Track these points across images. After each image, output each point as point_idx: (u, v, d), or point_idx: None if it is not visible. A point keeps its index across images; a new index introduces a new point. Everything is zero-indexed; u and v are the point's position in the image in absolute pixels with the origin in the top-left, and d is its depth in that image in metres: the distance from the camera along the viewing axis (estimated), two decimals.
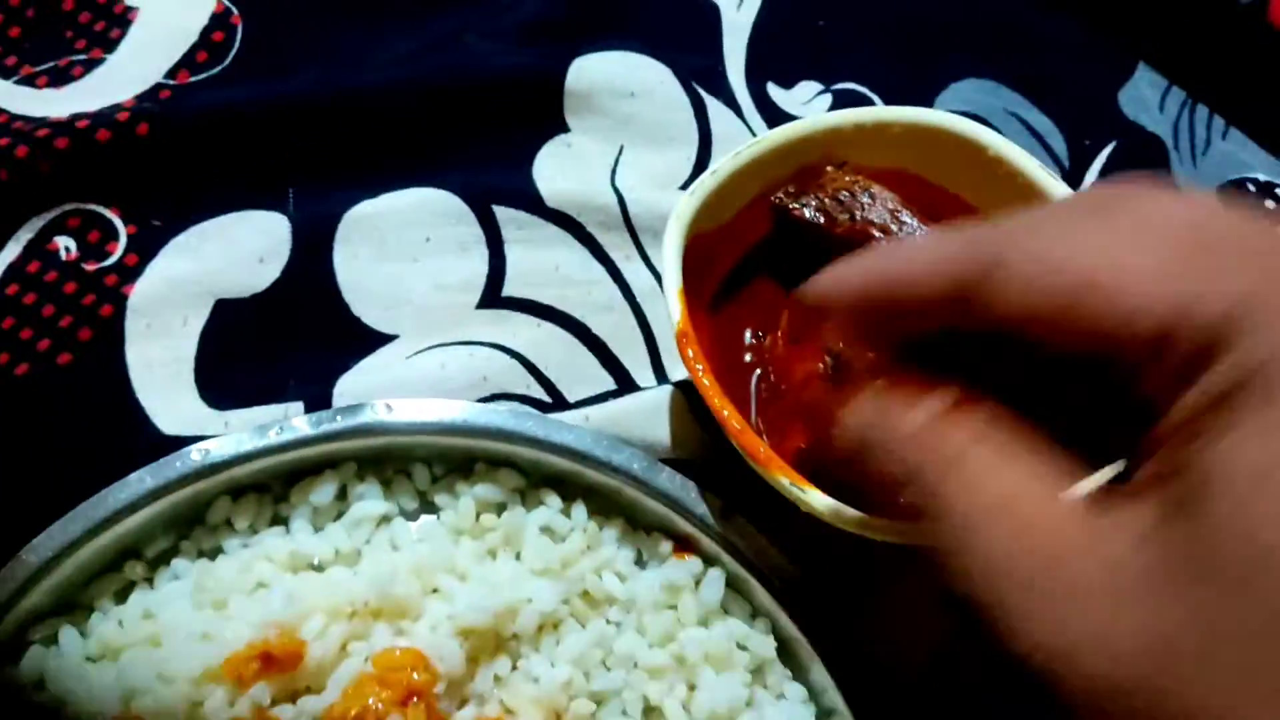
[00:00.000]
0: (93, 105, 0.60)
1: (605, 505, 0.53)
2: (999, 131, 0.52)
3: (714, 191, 0.53)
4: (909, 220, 0.52)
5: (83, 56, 0.62)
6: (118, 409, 0.54)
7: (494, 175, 0.61)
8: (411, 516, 0.52)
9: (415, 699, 0.45)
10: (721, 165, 0.53)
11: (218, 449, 0.50)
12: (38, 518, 0.48)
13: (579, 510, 0.52)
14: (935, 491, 0.30)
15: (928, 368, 0.34)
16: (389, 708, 0.44)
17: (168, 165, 0.58)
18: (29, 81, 0.61)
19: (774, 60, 0.67)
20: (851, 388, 0.40)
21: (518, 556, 0.51)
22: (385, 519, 0.52)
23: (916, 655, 0.53)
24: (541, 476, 0.53)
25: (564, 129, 0.63)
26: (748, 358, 0.54)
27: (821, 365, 0.51)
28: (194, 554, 0.50)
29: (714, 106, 0.65)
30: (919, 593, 0.54)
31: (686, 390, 0.55)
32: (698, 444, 0.55)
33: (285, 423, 0.50)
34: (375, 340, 0.57)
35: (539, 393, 0.56)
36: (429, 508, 0.53)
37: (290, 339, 0.56)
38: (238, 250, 0.57)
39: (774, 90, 0.66)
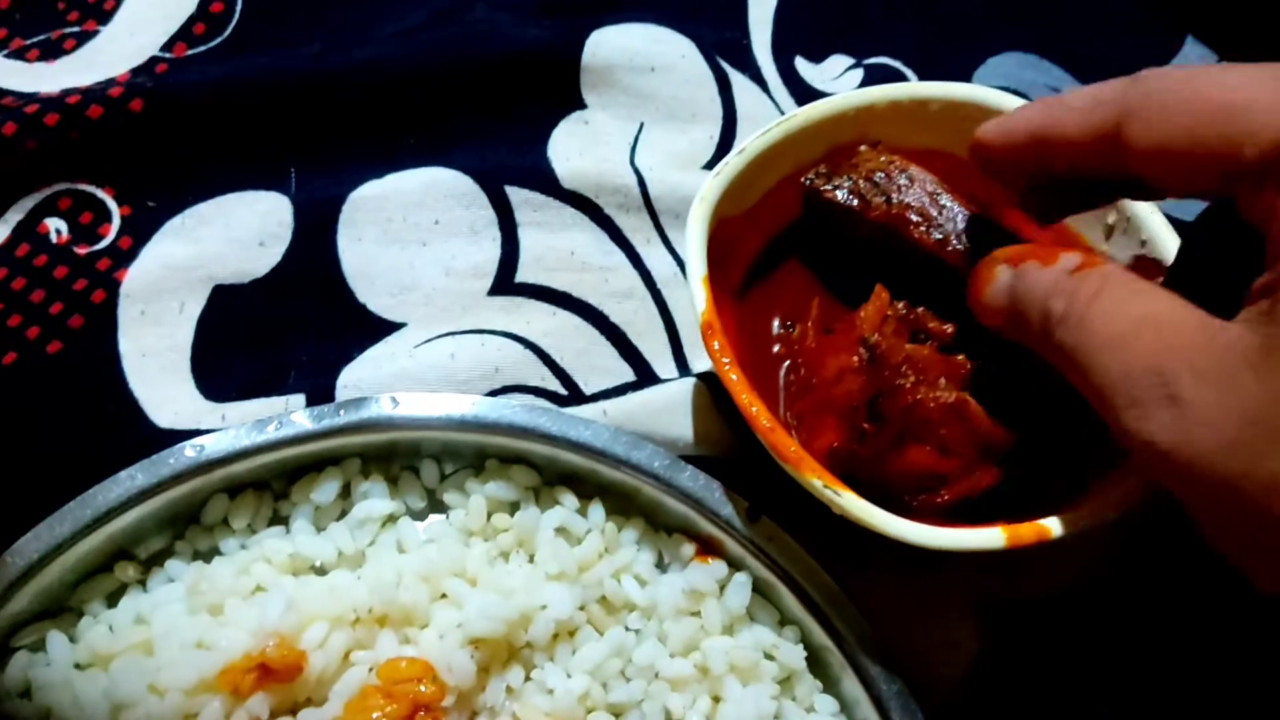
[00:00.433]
0: (85, 80, 0.57)
1: (624, 505, 0.50)
2: None
3: (741, 173, 0.50)
4: (949, 203, 0.49)
5: (75, 29, 0.59)
6: (110, 401, 0.51)
7: (507, 154, 0.58)
8: (419, 516, 0.50)
9: (422, 713, 0.42)
10: (749, 145, 0.50)
11: (214, 445, 0.47)
12: (24, 517, 0.45)
13: (596, 510, 0.49)
14: (1082, 324, 0.35)
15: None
16: None
17: (163, 143, 0.55)
18: (19, 55, 0.58)
19: (802, 32, 0.64)
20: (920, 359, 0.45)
21: (531, 559, 0.48)
22: (391, 519, 0.49)
23: (955, 668, 0.50)
24: (556, 474, 0.50)
25: (580, 105, 0.60)
26: (775, 349, 0.51)
27: (856, 358, 0.48)
28: (189, 555, 0.48)
29: (739, 82, 0.61)
30: (958, 603, 0.51)
31: (710, 382, 0.52)
32: (722, 440, 0.52)
33: (285, 417, 0.48)
34: (381, 329, 0.54)
35: (554, 385, 0.53)
36: (437, 507, 0.50)
37: (291, 327, 0.53)
38: (237, 233, 0.55)
39: (802, 65, 0.63)
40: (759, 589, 0.48)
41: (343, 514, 0.49)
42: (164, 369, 0.52)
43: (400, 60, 0.58)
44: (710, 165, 0.59)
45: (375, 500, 0.48)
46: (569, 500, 0.49)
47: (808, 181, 0.50)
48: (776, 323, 0.52)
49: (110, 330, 0.52)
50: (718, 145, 0.60)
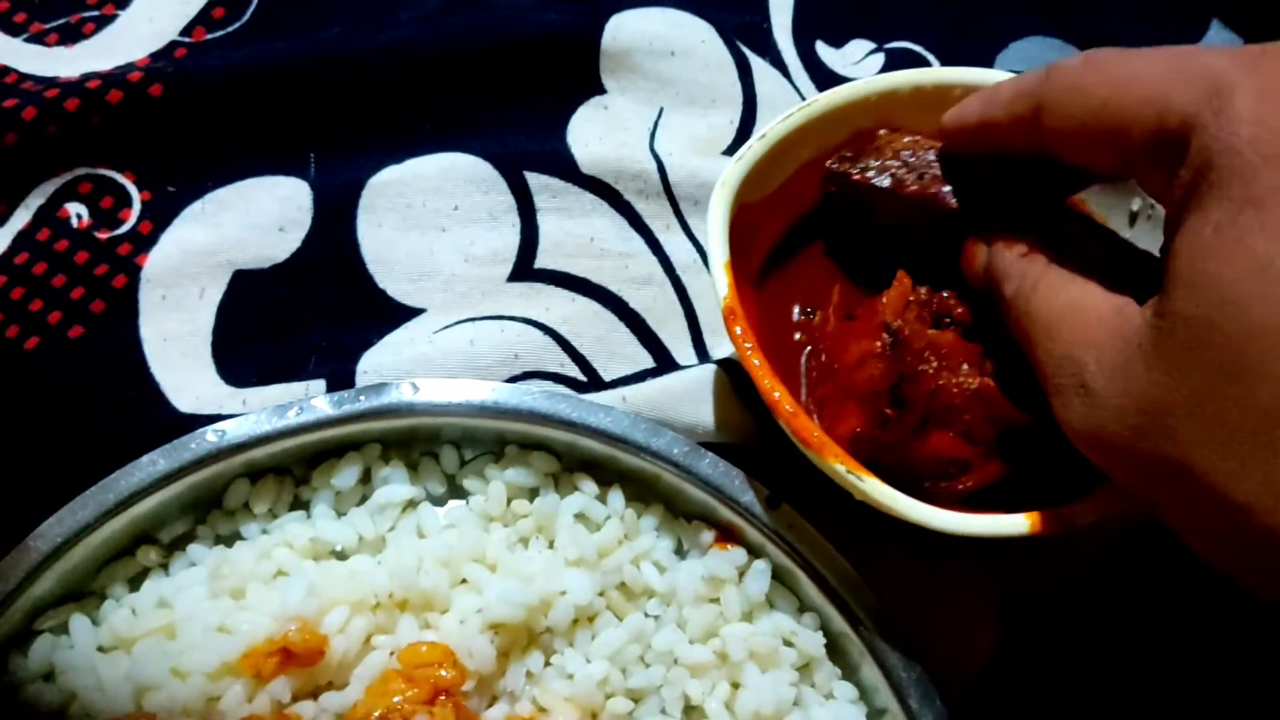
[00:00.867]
0: (105, 64, 0.57)
1: (643, 492, 0.50)
2: None
3: (762, 158, 0.49)
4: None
5: (95, 13, 0.59)
6: (132, 386, 0.51)
7: (526, 140, 0.57)
8: (439, 501, 0.50)
9: (443, 697, 0.42)
10: (770, 130, 0.50)
11: (235, 430, 0.47)
12: (47, 501, 0.46)
13: (616, 497, 0.49)
14: (1027, 309, 0.38)
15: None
16: (415, 706, 0.42)
17: (183, 128, 0.55)
18: (38, 39, 0.58)
19: (823, 17, 0.63)
20: (911, 359, 0.44)
21: (551, 545, 0.48)
22: (411, 504, 0.49)
23: (974, 656, 0.50)
24: (576, 461, 0.50)
25: (600, 90, 0.59)
26: (796, 335, 0.51)
27: (878, 343, 0.47)
28: (211, 539, 0.48)
29: (759, 66, 0.61)
30: (979, 590, 0.51)
31: (731, 369, 0.52)
32: (743, 427, 0.52)
33: (305, 402, 0.48)
34: (401, 314, 0.54)
35: (573, 371, 0.53)
36: (457, 492, 0.50)
37: (312, 312, 0.53)
38: (257, 218, 0.55)
39: (823, 49, 0.62)
40: (778, 576, 0.48)
41: (363, 499, 0.49)
42: (185, 354, 0.52)
43: (419, 45, 0.57)
44: (730, 151, 0.59)
45: (396, 485, 0.48)
46: (588, 486, 0.49)
47: (834, 165, 0.50)
48: (797, 309, 0.51)
49: (131, 315, 0.52)
50: (738, 130, 0.59)
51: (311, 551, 0.47)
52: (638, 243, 0.56)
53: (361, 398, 0.48)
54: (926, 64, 0.62)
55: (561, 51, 0.59)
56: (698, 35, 0.61)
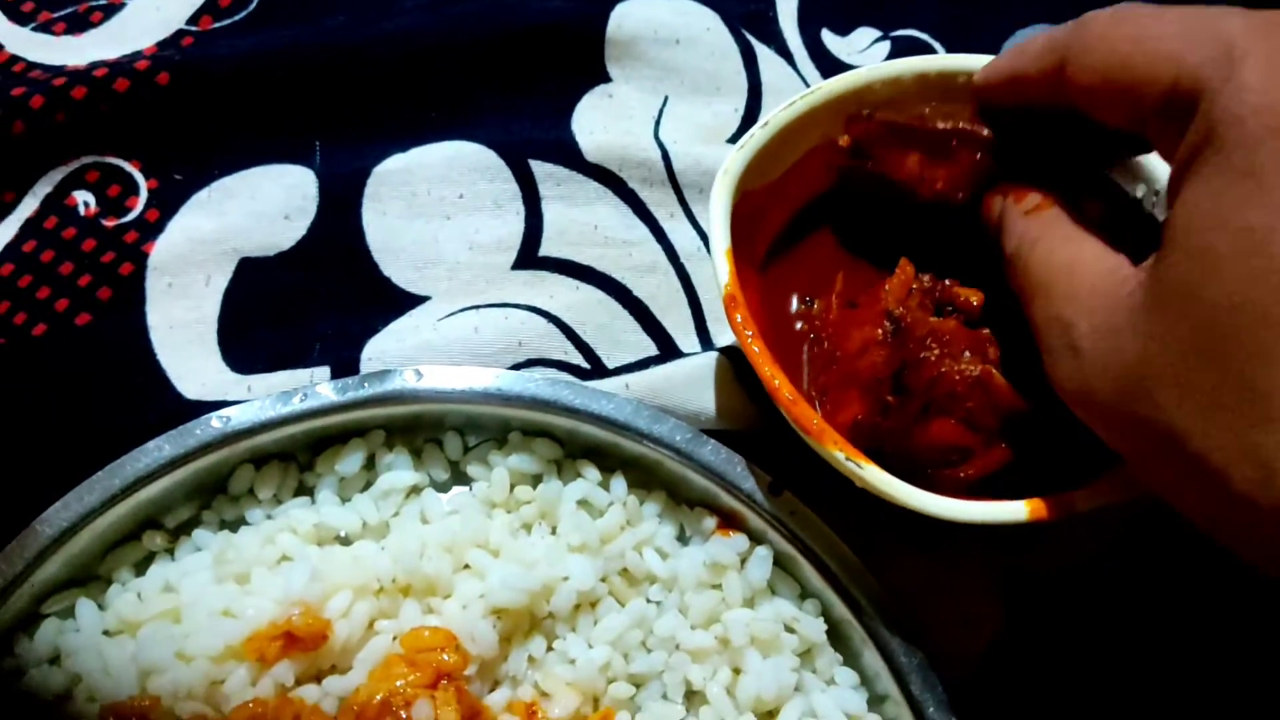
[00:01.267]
0: (112, 53, 0.57)
1: (646, 478, 0.50)
2: None
3: (765, 146, 0.49)
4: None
5: (102, 1, 0.59)
6: (138, 372, 0.51)
7: (530, 128, 0.58)
8: (443, 488, 0.50)
9: (445, 681, 0.43)
10: (773, 117, 0.49)
11: (239, 416, 0.47)
12: (54, 487, 0.46)
13: (618, 483, 0.49)
14: (1025, 269, 0.38)
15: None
16: (417, 691, 0.42)
17: (190, 116, 0.56)
18: (46, 28, 0.58)
19: (829, 4, 0.63)
20: (913, 344, 0.45)
21: (553, 531, 0.48)
22: (415, 490, 0.49)
23: (975, 643, 0.50)
24: (579, 447, 0.50)
25: (605, 79, 0.59)
26: (799, 324, 0.51)
27: (880, 331, 0.47)
28: (216, 524, 0.48)
29: (764, 54, 0.61)
30: (980, 577, 0.51)
31: (733, 357, 0.52)
32: (745, 414, 0.52)
33: (310, 389, 0.48)
34: (406, 302, 0.54)
35: (577, 358, 0.53)
36: (461, 479, 0.50)
37: (317, 300, 0.54)
38: (262, 206, 0.55)
39: (829, 37, 0.62)
40: (780, 562, 0.48)
41: (367, 485, 0.49)
42: (191, 341, 0.52)
43: (424, 33, 0.58)
44: (735, 139, 0.59)
45: (399, 472, 0.49)
46: (591, 473, 0.49)
47: (861, 111, 0.49)
48: (798, 298, 0.51)
49: (138, 302, 0.53)
50: (743, 118, 0.59)
51: (315, 537, 0.47)
52: (642, 231, 0.56)
53: (365, 384, 0.48)
54: (932, 51, 0.62)
55: (566, 39, 0.59)
56: (703, 23, 0.61)
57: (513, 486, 0.49)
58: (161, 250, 0.54)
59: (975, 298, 0.48)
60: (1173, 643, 0.51)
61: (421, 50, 0.57)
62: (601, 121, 0.58)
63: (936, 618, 0.49)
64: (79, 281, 0.53)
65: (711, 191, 0.47)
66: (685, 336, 0.55)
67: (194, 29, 0.59)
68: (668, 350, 0.54)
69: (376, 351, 0.52)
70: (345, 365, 0.52)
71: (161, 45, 0.58)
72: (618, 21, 0.59)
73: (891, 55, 0.62)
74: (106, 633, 0.45)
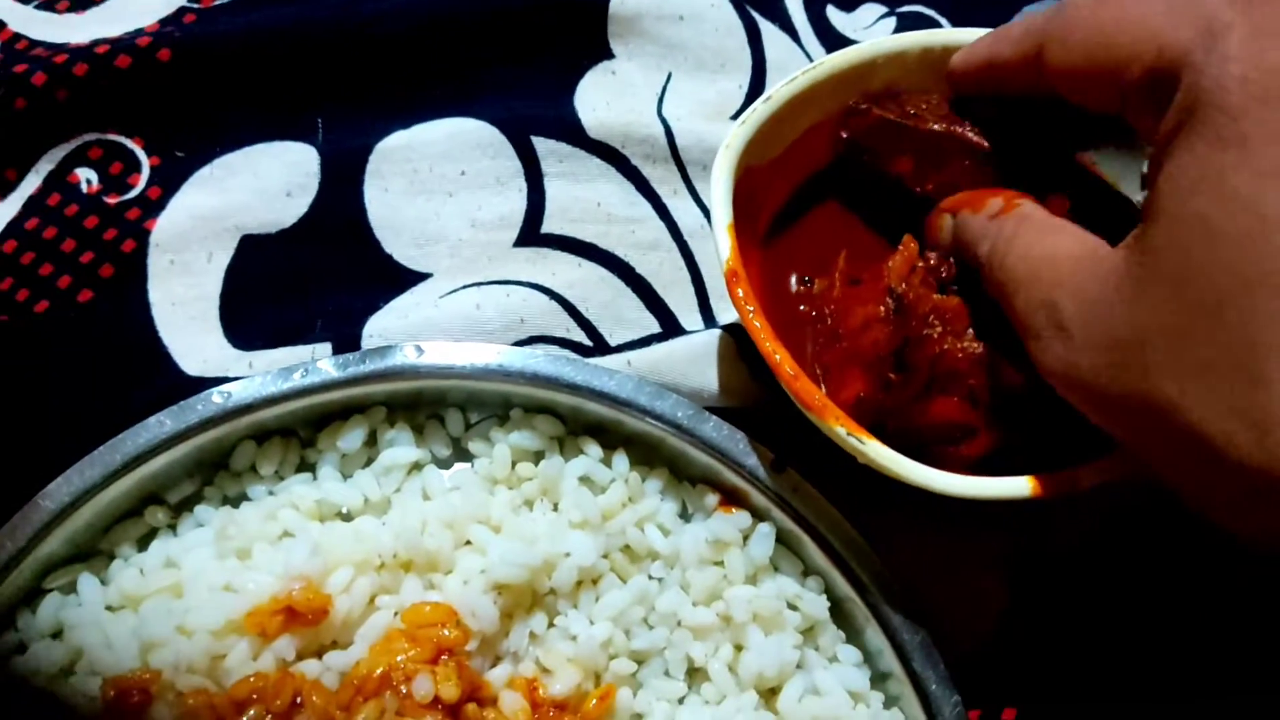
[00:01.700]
0: (114, 30, 0.57)
1: (648, 455, 0.50)
2: None
3: (767, 121, 0.49)
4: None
5: None
6: (140, 349, 0.51)
7: (533, 105, 0.57)
8: (444, 464, 0.50)
9: (445, 657, 0.43)
10: (776, 93, 0.49)
11: (241, 391, 0.47)
12: (56, 462, 0.46)
13: (620, 460, 0.49)
14: (1003, 266, 0.38)
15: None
16: (418, 666, 0.42)
17: (191, 93, 0.55)
18: (48, 6, 0.58)
19: None
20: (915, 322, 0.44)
21: (555, 508, 0.48)
22: (417, 466, 0.49)
23: (980, 621, 0.50)
24: (581, 424, 0.50)
25: (608, 55, 0.59)
26: (801, 300, 0.51)
27: (882, 308, 0.47)
28: (218, 500, 0.48)
29: (769, 31, 0.60)
30: (985, 555, 0.50)
31: (736, 334, 0.52)
32: (748, 391, 0.51)
33: (311, 364, 0.48)
34: (407, 279, 0.54)
35: (579, 336, 0.53)
36: (463, 455, 0.50)
37: (318, 277, 0.53)
38: (264, 183, 0.55)
39: (834, 13, 0.62)
40: (782, 539, 0.48)
41: (369, 461, 0.49)
42: (193, 318, 0.52)
43: (426, 9, 0.57)
44: (739, 115, 0.58)
45: (401, 448, 0.48)
46: (593, 450, 0.49)
47: (858, 104, 0.49)
48: (800, 275, 0.51)
49: (140, 279, 0.53)
50: (747, 95, 0.59)
51: (317, 513, 0.47)
52: (645, 208, 0.56)
53: (367, 360, 0.48)
54: (938, 27, 0.62)
55: (569, 16, 0.59)
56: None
57: (514, 463, 0.49)
58: (163, 227, 0.53)
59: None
60: (1174, 620, 0.51)
61: (424, 26, 0.57)
62: (604, 98, 0.58)
63: (940, 596, 0.49)
64: (81, 258, 0.53)
65: (713, 167, 0.47)
66: (688, 314, 0.55)
67: (196, 5, 0.58)
68: (670, 327, 0.54)
69: (378, 328, 0.52)
70: (347, 342, 0.52)
71: (163, 22, 0.57)
72: None
73: (897, 31, 0.62)
74: (109, 608, 0.45)
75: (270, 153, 0.56)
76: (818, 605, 0.47)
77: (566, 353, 0.52)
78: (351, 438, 0.48)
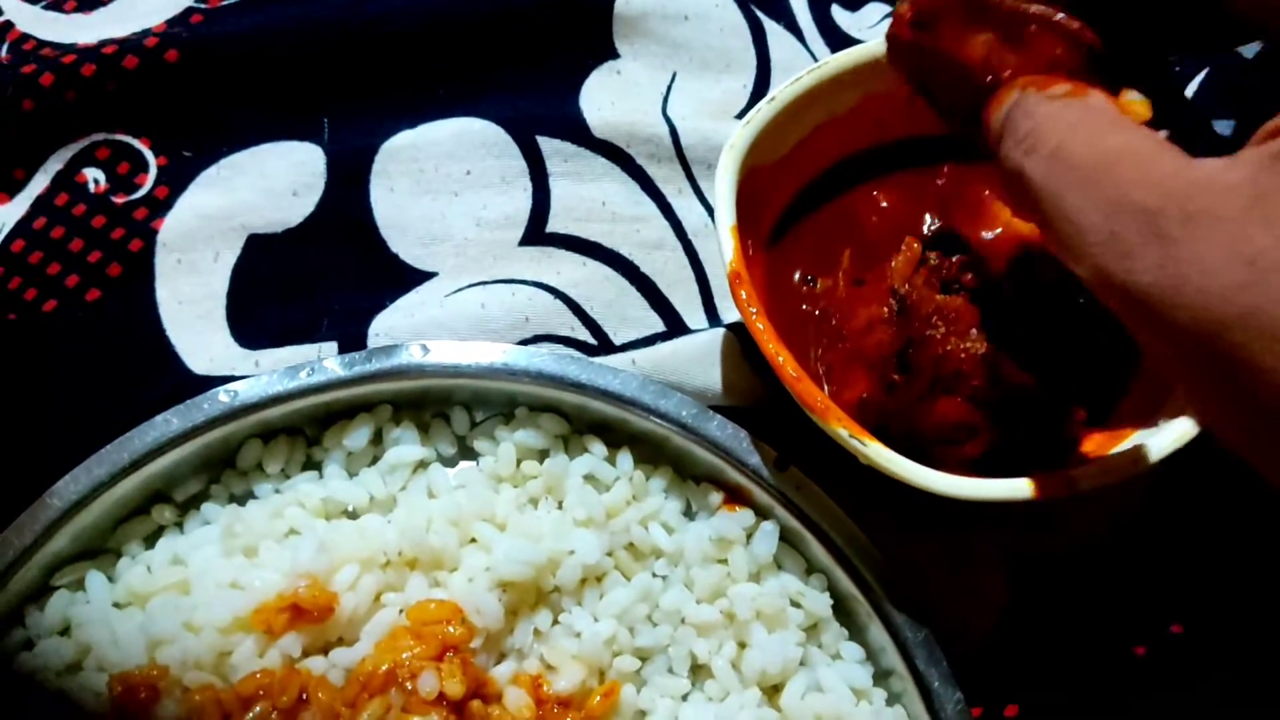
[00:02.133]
0: (121, 30, 0.57)
1: (652, 454, 0.50)
2: None
3: (771, 121, 0.49)
4: None
5: None
6: (148, 347, 0.52)
7: (538, 104, 0.57)
8: (450, 463, 0.50)
9: (451, 654, 0.43)
10: (780, 92, 0.49)
11: (247, 390, 0.48)
12: (63, 460, 0.46)
13: (624, 459, 0.49)
14: (1056, 155, 0.33)
15: None
16: (423, 663, 0.42)
17: (198, 94, 0.56)
18: (56, 6, 0.58)
19: None
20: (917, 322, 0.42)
21: (560, 506, 0.48)
22: (422, 464, 0.49)
23: (982, 620, 0.50)
24: (586, 423, 0.50)
25: (613, 55, 0.59)
26: (805, 301, 0.51)
27: (885, 309, 0.47)
28: (225, 498, 0.48)
29: (773, 31, 0.61)
30: (986, 551, 0.51)
31: (740, 333, 0.52)
32: (751, 390, 0.52)
33: (317, 363, 0.48)
34: (413, 278, 0.54)
35: (584, 335, 0.53)
36: (468, 454, 0.50)
37: (325, 276, 0.54)
38: (270, 183, 0.55)
39: (839, 13, 0.62)
40: (786, 537, 0.48)
41: (374, 460, 0.49)
42: (200, 316, 0.52)
43: (432, 9, 0.57)
44: (744, 115, 0.58)
45: (406, 446, 0.49)
46: (598, 448, 0.49)
47: None
48: (803, 275, 0.51)
49: (148, 278, 0.53)
50: (751, 95, 0.59)
51: (323, 511, 0.47)
52: (649, 207, 0.56)
53: (372, 359, 0.48)
54: None
55: (575, 16, 0.59)
56: None
57: (519, 461, 0.49)
58: (171, 227, 0.54)
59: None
60: (1174, 621, 0.51)
61: (430, 26, 0.57)
62: (609, 98, 0.58)
63: (942, 593, 0.49)
64: (89, 258, 0.53)
65: (717, 168, 0.47)
66: (693, 313, 0.55)
67: (203, 6, 0.59)
68: (675, 326, 0.54)
69: (384, 327, 0.52)
70: (353, 340, 0.52)
71: (170, 23, 0.58)
72: None
73: None
74: (116, 605, 0.45)
75: (276, 152, 0.56)
76: (821, 603, 0.47)
77: (571, 352, 0.52)
78: (357, 436, 0.49)
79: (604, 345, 0.53)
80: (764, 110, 0.49)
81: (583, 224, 0.56)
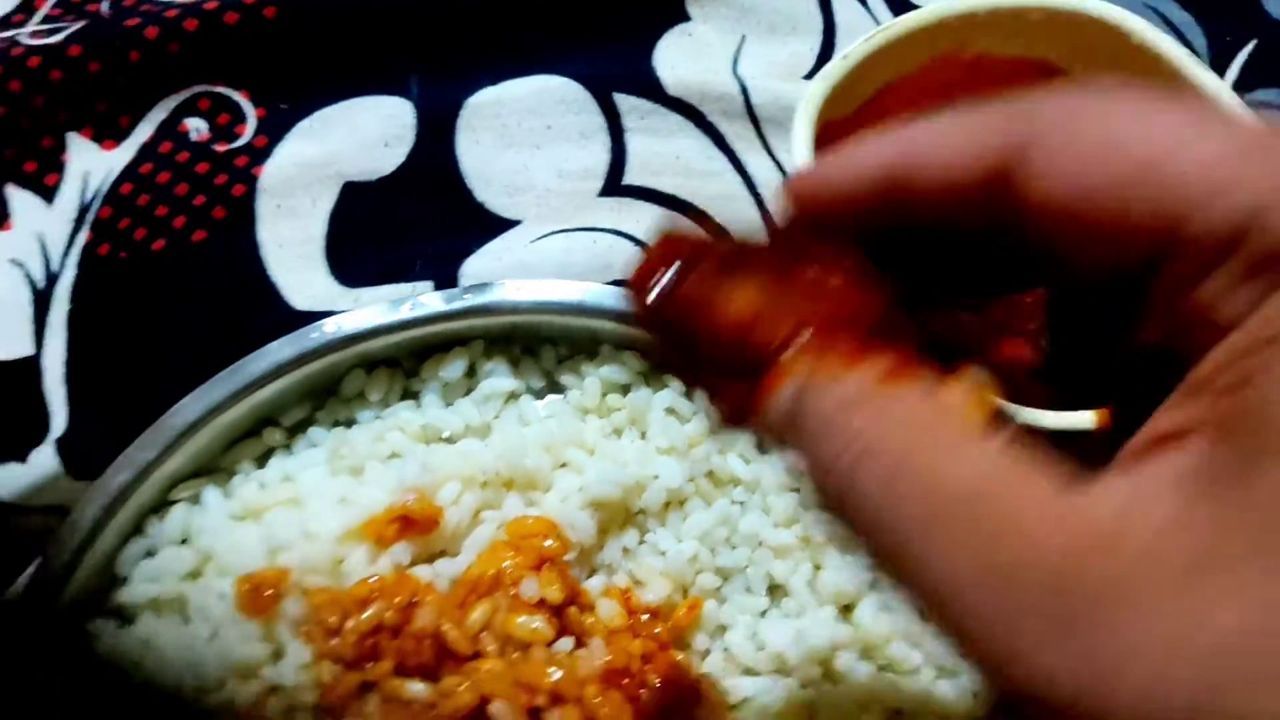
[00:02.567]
0: None
1: None
2: None
3: (845, 76, 0.52)
4: None
5: None
6: (251, 285, 0.55)
7: (614, 64, 0.60)
8: (538, 396, 0.53)
9: (547, 565, 0.46)
10: (853, 50, 0.52)
11: (351, 322, 0.50)
12: (173, 388, 0.49)
13: (702, 396, 0.52)
14: (893, 483, 0.22)
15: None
16: (522, 572, 0.45)
17: (294, 48, 0.59)
18: None
19: None
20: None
21: (643, 436, 0.51)
22: (513, 396, 0.52)
23: None
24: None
25: (684, 18, 0.62)
26: None
27: None
28: (329, 424, 0.51)
29: None
30: None
31: None
32: None
33: (415, 299, 0.51)
34: (498, 225, 0.57)
35: None
36: (555, 388, 0.53)
37: (417, 222, 0.57)
38: (362, 134, 0.58)
39: None
40: None
41: (468, 392, 0.52)
42: (300, 257, 0.55)
43: None
44: (810, 77, 0.61)
45: (499, 378, 0.51)
46: (677, 385, 0.52)
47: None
48: None
49: (250, 221, 0.56)
50: (817, 58, 0.62)
51: (422, 436, 0.50)
52: (721, 162, 0.59)
53: (467, 295, 0.51)
54: None
55: None
56: None
57: (604, 394, 0.51)
58: (270, 174, 0.57)
59: None
60: None
61: None
62: (682, 58, 0.61)
63: None
64: (194, 201, 0.56)
65: (795, 119, 0.50)
66: None
67: None
68: None
69: (474, 269, 0.55)
70: (445, 281, 0.55)
71: None
72: None
73: None
74: (232, 518, 0.48)
75: (366, 106, 0.59)
76: None
77: None
78: (453, 368, 0.51)
79: None
80: (838, 66, 0.51)
81: (658, 177, 0.58)
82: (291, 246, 0.56)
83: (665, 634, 0.46)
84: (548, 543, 0.46)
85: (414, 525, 0.46)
